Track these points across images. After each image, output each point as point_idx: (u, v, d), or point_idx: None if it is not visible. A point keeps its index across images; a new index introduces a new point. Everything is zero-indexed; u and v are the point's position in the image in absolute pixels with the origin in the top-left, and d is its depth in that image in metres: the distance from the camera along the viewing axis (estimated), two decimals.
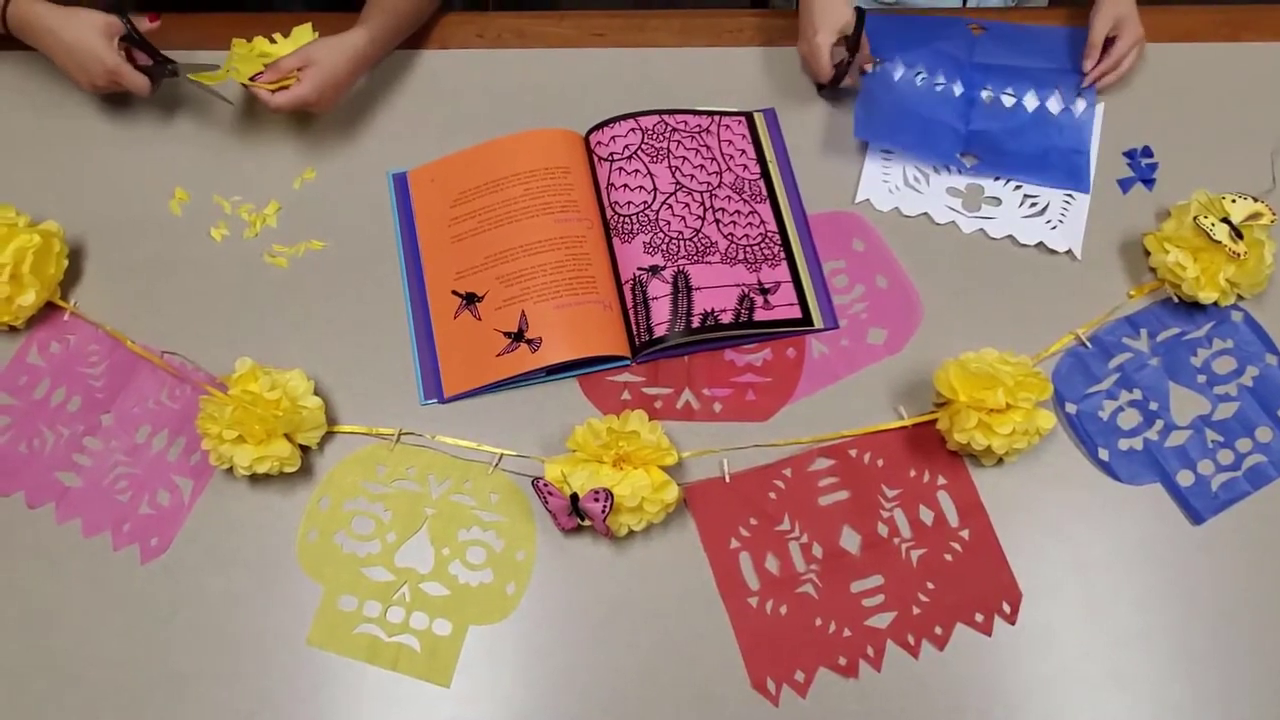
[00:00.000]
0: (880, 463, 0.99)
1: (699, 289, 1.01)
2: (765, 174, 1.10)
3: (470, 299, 1.02)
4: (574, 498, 0.90)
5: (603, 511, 0.89)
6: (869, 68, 1.13)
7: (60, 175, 1.07)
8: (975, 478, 0.98)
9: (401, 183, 1.08)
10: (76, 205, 1.05)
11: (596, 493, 0.89)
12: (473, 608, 0.91)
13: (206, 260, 1.04)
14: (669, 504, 0.92)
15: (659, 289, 1.01)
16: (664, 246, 1.03)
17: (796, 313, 1.04)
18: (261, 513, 0.94)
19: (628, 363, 1.01)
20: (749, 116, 1.13)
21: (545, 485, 0.91)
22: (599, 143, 1.09)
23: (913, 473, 0.99)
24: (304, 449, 0.95)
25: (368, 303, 1.03)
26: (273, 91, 1.01)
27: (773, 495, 0.97)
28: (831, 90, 1.13)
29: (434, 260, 1.04)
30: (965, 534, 0.96)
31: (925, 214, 1.10)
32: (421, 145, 1.09)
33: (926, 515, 0.97)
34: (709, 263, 1.03)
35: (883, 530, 0.96)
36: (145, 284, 1.02)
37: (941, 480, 0.98)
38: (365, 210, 1.07)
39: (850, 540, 0.95)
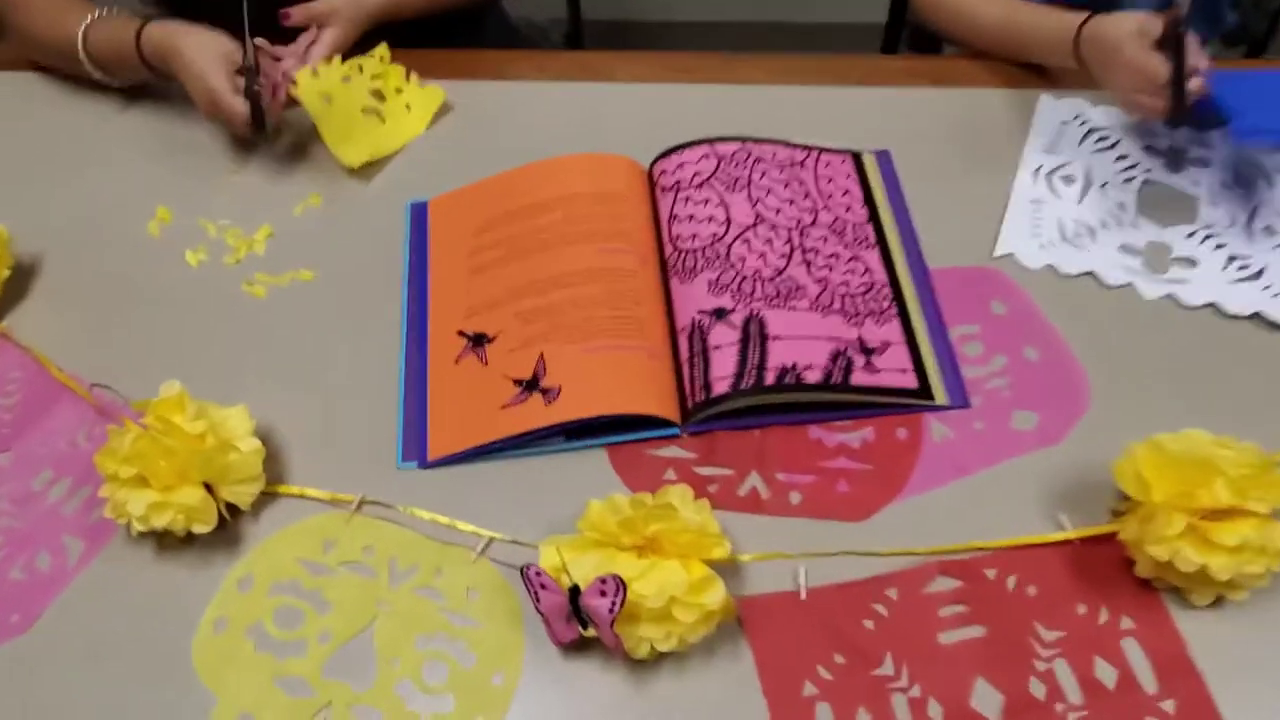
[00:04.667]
0: (1032, 591, 0.68)
1: (777, 339, 0.76)
2: (875, 219, 0.86)
3: (479, 340, 0.79)
4: (575, 592, 0.63)
5: (610, 611, 0.61)
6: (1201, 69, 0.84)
7: (35, 185, 0.93)
8: (1180, 621, 0.66)
9: (420, 213, 0.89)
10: (43, 218, 0.89)
11: (604, 581, 0.62)
12: None
13: (173, 286, 0.85)
14: (712, 613, 0.63)
15: (724, 336, 0.76)
16: (734, 286, 0.79)
17: (911, 382, 0.76)
18: (162, 589, 0.69)
19: (676, 431, 0.75)
20: (855, 156, 0.91)
21: (537, 574, 0.64)
22: (663, 171, 0.88)
23: (1082, 609, 0.67)
24: (233, 510, 0.72)
25: (354, 344, 0.81)
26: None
27: (869, 624, 0.67)
28: (1177, 116, 0.85)
29: (443, 294, 0.83)
30: (1169, 706, 0.63)
31: (1091, 274, 0.83)
32: (452, 176, 0.91)
33: (1105, 673, 0.64)
34: (794, 309, 0.78)
35: (1037, 690, 0.64)
36: (96, 308, 0.84)
37: (1128, 623, 0.66)
38: (372, 242, 0.88)
39: (987, 700, 0.63)
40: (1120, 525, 0.68)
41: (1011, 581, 0.68)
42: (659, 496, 0.67)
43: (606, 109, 0.96)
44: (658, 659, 0.66)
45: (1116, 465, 0.68)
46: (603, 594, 0.62)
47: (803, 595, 0.68)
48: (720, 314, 0.77)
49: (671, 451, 0.75)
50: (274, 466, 0.75)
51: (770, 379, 0.73)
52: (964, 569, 0.69)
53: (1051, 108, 0.94)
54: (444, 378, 0.78)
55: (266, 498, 0.73)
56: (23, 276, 0.86)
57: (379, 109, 0.93)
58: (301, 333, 0.82)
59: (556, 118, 0.96)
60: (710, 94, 0.97)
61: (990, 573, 0.69)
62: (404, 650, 0.67)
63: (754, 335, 0.76)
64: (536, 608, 0.65)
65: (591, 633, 0.64)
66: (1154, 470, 0.65)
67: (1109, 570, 0.68)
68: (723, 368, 0.75)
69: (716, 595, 0.63)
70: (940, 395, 0.76)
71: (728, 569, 0.69)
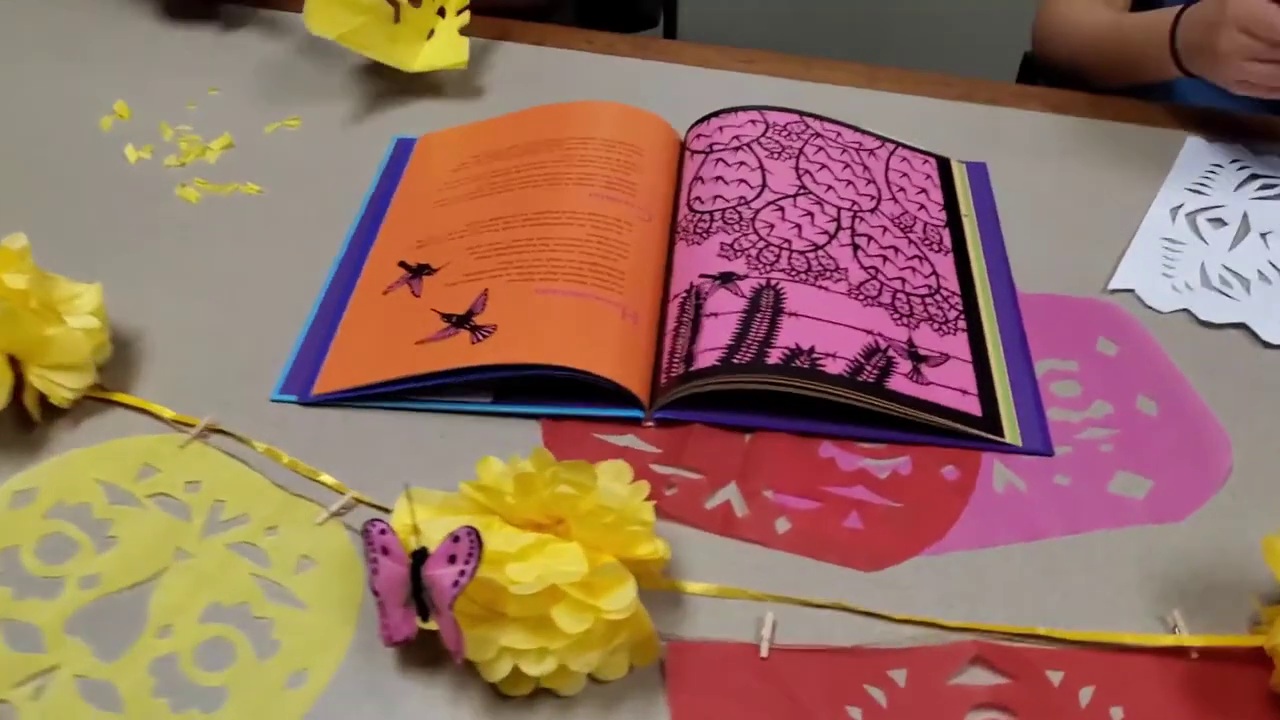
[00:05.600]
0: (1118, 714, 0.44)
1: (794, 315, 0.56)
2: (954, 227, 0.67)
3: (418, 271, 0.62)
4: (419, 559, 0.43)
5: (455, 583, 0.40)
6: None
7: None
8: None
9: (406, 148, 0.74)
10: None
11: (455, 540, 0.41)
12: None
13: (100, 177, 0.71)
14: (613, 628, 0.42)
15: (725, 303, 0.57)
16: (753, 253, 0.60)
17: (972, 406, 0.55)
18: None
19: (639, 415, 0.55)
20: (943, 161, 0.73)
21: (381, 532, 0.44)
22: (699, 135, 0.71)
23: None
24: (51, 411, 0.55)
25: (279, 266, 0.64)
26: None
27: (855, 713, 0.44)
28: None
29: (397, 224, 0.67)
30: None
31: (1243, 326, 0.61)
32: (457, 122, 0.76)
33: None
34: (825, 289, 0.58)
35: None
36: (9, 186, 0.71)
37: None
38: (340, 171, 0.72)
39: None
40: (1267, 635, 0.44)
41: (1086, 695, 0.45)
42: (575, 467, 0.47)
43: (656, 86, 0.81)
44: (531, 696, 0.44)
45: (1266, 545, 0.45)
46: (451, 559, 0.41)
47: (764, 651, 0.46)
48: (727, 279, 0.59)
49: (627, 440, 0.55)
50: (123, 374, 0.58)
51: (775, 358, 0.54)
52: (1014, 661, 0.46)
53: (1202, 150, 0.74)
54: (364, 308, 0.61)
55: (97, 405, 0.56)
56: None
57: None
58: (224, 244, 0.66)
59: (597, 87, 0.81)
60: (778, 86, 0.82)
61: (1055, 675, 0.45)
62: (185, 619, 0.47)
63: (765, 307, 0.56)
64: (371, 584, 0.45)
65: (433, 625, 0.43)
66: None
67: (1241, 697, 0.44)
68: (714, 338, 0.55)
69: (623, 600, 0.41)
70: (1012, 432, 0.55)
71: (663, 601, 0.48)
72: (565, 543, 0.44)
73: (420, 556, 0.42)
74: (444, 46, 0.79)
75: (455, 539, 0.41)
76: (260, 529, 0.51)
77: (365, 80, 0.81)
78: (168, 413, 0.56)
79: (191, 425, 0.55)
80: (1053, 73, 0.91)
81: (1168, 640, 0.46)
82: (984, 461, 0.54)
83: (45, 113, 0.77)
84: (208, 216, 0.69)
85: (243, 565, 0.49)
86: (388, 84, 0.80)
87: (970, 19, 1.73)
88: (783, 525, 0.51)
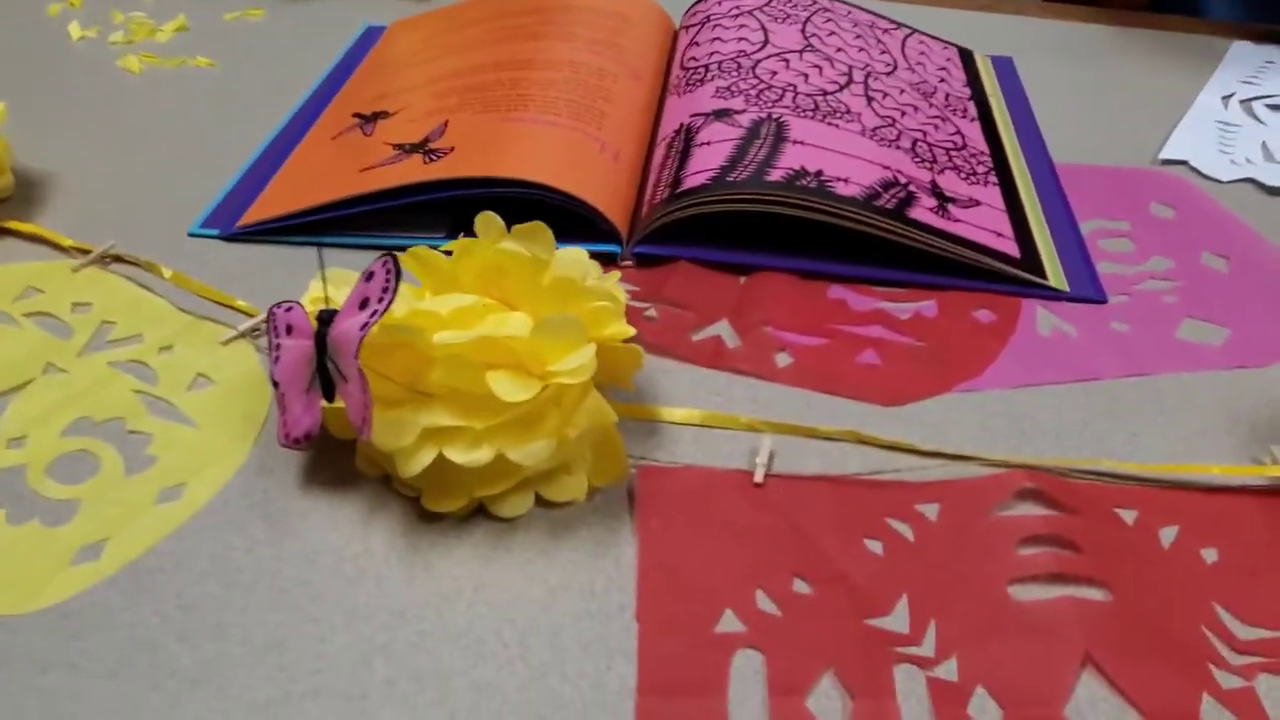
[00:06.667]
0: (1211, 555, 0.34)
1: (798, 143, 0.48)
2: (980, 104, 0.60)
3: (373, 117, 0.54)
4: (325, 322, 0.34)
5: (364, 326, 0.32)
6: None
7: None
8: None
9: (375, 33, 0.68)
10: None
11: (368, 279, 0.33)
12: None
13: (38, 50, 0.65)
14: (566, 393, 0.33)
15: (718, 133, 0.49)
16: (751, 93, 0.52)
17: (1009, 249, 0.47)
18: None
19: (617, 250, 0.47)
20: (965, 53, 0.66)
21: (288, 311, 0.36)
22: (695, 12, 0.64)
23: None
24: None
25: (222, 126, 0.57)
26: None
27: (875, 546, 0.34)
28: None
29: (358, 85, 0.59)
30: None
31: None
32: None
33: None
34: (834, 126, 0.51)
35: (1214, 718, 0.30)
36: None
37: None
38: (303, 53, 0.65)
39: (1104, 712, 0.30)
40: None
41: (1169, 535, 0.35)
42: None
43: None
44: (463, 519, 0.35)
45: None
46: (363, 304, 0.33)
47: (759, 477, 0.37)
48: (721, 114, 0.51)
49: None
50: (24, 209, 0.50)
51: (776, 176, 0.46)
52: (1076, 495, 0.36)
53: (1250, 50, 0.67)
54: (310, 150, 0.53)
55: None
56: None
57: None
58: (162, 108, 0.59)
59: None
60: None
61: (1128, 514, 0.36)
62: (43, 430, 0.38)
63: (766, 135, 0.49)
64: (271, 375, 0.36)
65: (340, 403, 0.34)
66: None
67: None
68: (706, 161, 0.47)
69: (579, 359, 0.33)
70: (1056, 277, 0.46)
71: (636, 430, 0.39)
72: (510, 311, 0.35)
73: (327, 318, 0.34)
74: None
75: (368, 276, 0.32)
76: (154, 349, 0.42)
77: None
78: (65, 240, 0.47)
79: (80, 249, 0.47)
80: None
81: (1272, 471, 0.37)
82: (1024, 307, 0.45)
83: None
84: (147, 86, 0.62)
85: (124, 381, 0.40)
86: None
87: None
88: (784, 360, 0.42)
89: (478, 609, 0.33)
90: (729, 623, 0.32)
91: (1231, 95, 0.62)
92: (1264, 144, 0.58)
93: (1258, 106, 0.61)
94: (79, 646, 0.31)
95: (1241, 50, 0.68)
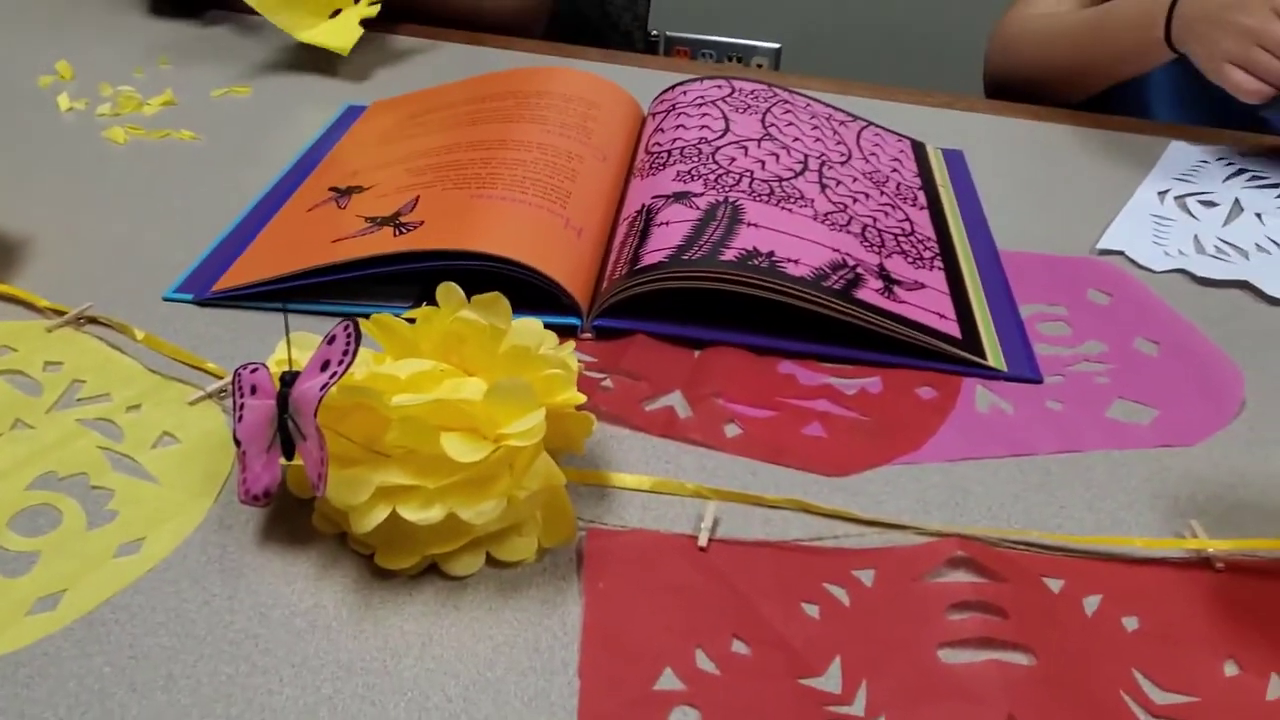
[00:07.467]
0: (1131, 623, 0.36)
1: (752, 225, 0.51)
2: (929, 192, 0.63)
3: (348, 191, 0.57)
4: (288, 382, 0.35)
5: (324, 387, 0.33)
6: None
7: None
8: None
9: (355, 112, 0.70)
10: None
11: (330, 341, 0.34)
12: None
13: (27, 122, 0.67)
14: (515, 456, 0.34)
15: (676, 214, 0.52)
16: (710, 178, 0.55)
17: (952, 329, 0.49)
18: None
19: (577, 324, 0.49)
20: (918, 145, 0.69)
21: (252, 372, 0.37)
22: (661, 100, 0.67)
23: (1231, 669, 0.34)
24: None
25: (202, 198, 0.59)
26: None
27: (811, 610, 0.36)
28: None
29: (335, 161, 0.62)
30: None
31: (1246, 284, 0.56)
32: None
33: None
34: (789, 210, 0.53)
35: None
36: None
37: None
38: (285, 131, 0.68)
39: None
40: None
41: (1092, 603, 0.37)
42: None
43: (624, 82, 0.78)
44: (414, 577, 0.36)
45: None
46: (324, 367, 0.34)
47: (702, 541, 0.38)
48: (680, 197, 0.53)
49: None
50: (6, 269, 0.51)
51: (729, 256, 0.48)
52: (1006, 564, 0.38)
53: (1186, 149, 0.71)
54: (286, 221, 0.55)
55: None
56: None
57: None
58: (144, 177, 0.61)
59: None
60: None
61: (1054, 583, 0.37)
62: (7, 484, 0.39)
63: (722, 217, 0.51)
64: (234, 434, 0.37)
65: (298, 461, 0.35)
66: None
67: (1276, 610, 0.36)
68: (663, 241, 0.50)
69: (528, 422, 0.34)
70: (996, 356, 0.49)
71: (587, 495, 0.40)
72: (467, 377, 0.37)
73: (289, 379, 0.35)
74: (338, 28, 0.77)
75: (330, 339, 0.34)
76: (121, 407, 0.43)
77: (319, 60, 0.78)
78: (41, 301, 0.49)
79: (57, 310, 0.48)
80: (1011, 93, 0.87)
81: (1192, 544, 0.38)
82: (965, 385, 0.47)
83: None
84: (132, 155, 0.64)
85: (91, 438, 0.41)
86: (352, 69, 0.77)
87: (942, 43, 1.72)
88: (733, 430, 0.44)
89: (425, 664, 0.34)
90: (668, 681, 0.33)
91: (1167, 191, 0.66)
92: (1195, 237, 0.61)
93: (1191, 202, 0.65)
94: (28, 695, 0.32)
95: (1178, 150, 0.72)
